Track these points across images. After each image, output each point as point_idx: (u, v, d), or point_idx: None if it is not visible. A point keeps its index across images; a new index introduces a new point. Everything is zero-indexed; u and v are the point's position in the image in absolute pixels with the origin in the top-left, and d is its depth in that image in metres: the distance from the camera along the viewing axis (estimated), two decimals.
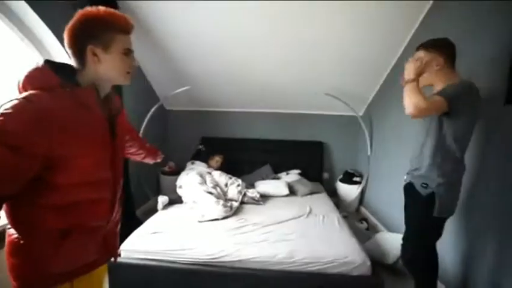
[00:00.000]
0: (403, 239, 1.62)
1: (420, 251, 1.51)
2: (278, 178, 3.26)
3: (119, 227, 1.05)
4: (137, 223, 2.16)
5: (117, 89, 2.45)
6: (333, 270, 1.66)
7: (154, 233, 1.92)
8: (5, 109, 0.68)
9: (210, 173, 2.87)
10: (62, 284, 0.85)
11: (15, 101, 0.69)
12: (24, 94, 0.72)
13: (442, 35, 1.83)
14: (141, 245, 1.79)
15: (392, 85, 2.83)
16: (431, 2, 2.10)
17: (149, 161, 1.43)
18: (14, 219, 0.79)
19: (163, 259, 1.73)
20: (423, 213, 1.41)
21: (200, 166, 3.07)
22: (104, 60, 0.83)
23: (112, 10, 0.83)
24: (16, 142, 0.67)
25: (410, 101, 1.22)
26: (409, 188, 1.50)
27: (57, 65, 0.82)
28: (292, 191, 2.94)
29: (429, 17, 2.16)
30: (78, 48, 0.81)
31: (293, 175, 3.27)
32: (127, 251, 1.74)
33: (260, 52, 2.72)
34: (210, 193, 2.40)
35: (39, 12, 1.70)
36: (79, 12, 0.81)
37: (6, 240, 0.81)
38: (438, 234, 1.46)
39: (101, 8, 0.82)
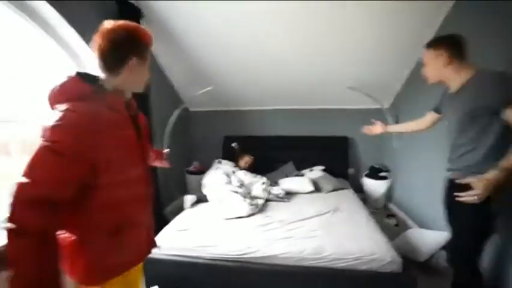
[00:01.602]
0: (454, 238, 1.52)
1: (475, 250, 1.40)
2: (301, 175, 3.24)
3: (153, 220, 1.11)
4: (165, 222, 2.25)
5: (144, 92, 2.56)
6: (362, 267, 1.64)
7: (183, 230, 1.99)
8: (55, 122, 0.74)
9: (234, 172, 2.91)
10: (118, 275, 0.93)
11: (61, 113, 0.76)
12: (66, 106, 0.78)
13: (473, 22, 1.80)
14: (170, 242, 1.86)
15: (419, 75, 2.70)
16: None
17: (158, 164, 1.46)
18: (70, 223, 0.85)
19: (191, 255, 1.79)
20: (477, 211, 1.31)
21: (226, 165, 3.13)
22: (139, 71, 0.94)
23: (143, 27, 0.93)
24: (68, 151, 0.75)
25: None
26: (458, 185, 1.37)
27: (82, 74, 0.90)
28: (317, 188, 2.91)
29: (458, 7, 2.04)
30: (119, 57, 0.88)
31: (317, 171, 3.24)
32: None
33: (279, 49, 2.71)
34: (236, 192, 2.44)
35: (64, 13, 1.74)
36: (119, 24, 0.87)
37: (62, 244, 0.86)
38: (491, 232, 1.36)
39: (136, 24, 0.91)
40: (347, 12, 2.29)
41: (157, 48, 2.87)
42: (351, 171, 3.67)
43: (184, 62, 3.03)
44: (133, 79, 0.93)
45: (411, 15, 2.26)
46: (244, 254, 1.74)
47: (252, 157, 3.31)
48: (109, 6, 2.13)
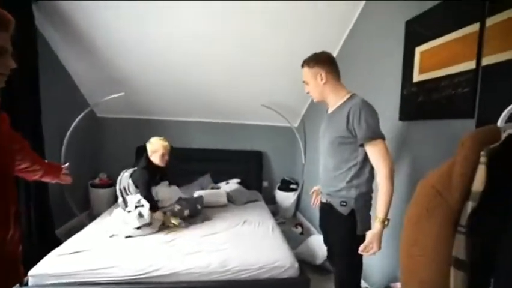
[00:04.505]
0: (330, 259, 1.65)
1: (351, 273, 1.45)
2: (218, 188, 3.27)
3: (20, 248, 0.94)
4: (57, 244, 1.94)
5: (33, 91, 2.21)
6: (264, 276, 1.73)
7: (75, 252, 1.74)
8: None
9: None
10: None
11: None
12: None
13: (367, 44, 2.11)
14: (57, 267, 1.60)
15: None
16: (356, 15, 2.31)
17: (50, 180, 1.27)
18: None
19: (84, 281, 1.58)
20: (347, 233, 1.36)
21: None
22: None
23: None
24: None
25: (390, 180, 1.27)
26: (328, 208, 1.46)
27: None
28: (231, 200, 2.98)
29: (356, 28, 2.40)
30: None
31: (232, 184, 3.33)
32: (36, 277, 1.54)
33: (197, 62, 2.75)
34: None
35: None
36: None
37: None
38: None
39: None
40: (261, 40, 2.52)
41: (56, 41, 2.53)
42: (265, 183, 3.91)
43: (92, 62, 2.75)
44: None
45: (313, 44, 2.57)
46: (146, 273, 1.63)
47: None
48: None
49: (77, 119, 2.82)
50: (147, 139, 3.55)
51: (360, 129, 1.25)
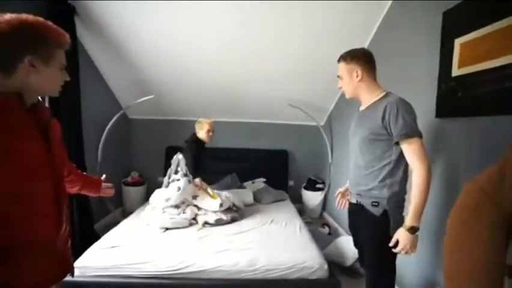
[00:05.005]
0: (362, 262, 1.53)
1: (384, 277, 1.36)
2: (244, 187, 3.30)
3: (69, 242, 1.01)
4: (96, 238, 2.07)
5: (75, 97, 2.36)
6: (293, 276, 1.73)
7: (113, 246, 1.85)
8: None
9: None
10: None
11: None
12: None
13: (398, 38, 2.03)
14: (98, 261, 1.71)
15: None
16: (386, 8, 2.24)
17: (91, 193, 1.30)
18: None
19: (120, 274, 1.67)
20: (379, 234, 1.29)
21: None
22: (42, 73, 0.81)
23: (51, 24, 0.82)
24: None
25: (426, 181, 1.20)
26: (358, 209, 1.40)
27: None
28: (257, 199, 2.99)
29: (381, 30, 2.36)
30: (11, 56, 0.77)
31: (258, 183, 3.34)
32: (81, 268, 1.66)
33: (223, 63, 2.78)
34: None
35: None
36: (11, 17, 0.76)
37: None
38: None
39: (40, 19, 0.80)
40: (286, 37, 2.50)
41: (93, 50, 2.69)
42: (291, 183, 3.88)
43: (124, 68, 2.89)
44: (37, 81, 0.81)
45: (340, 39, 2.50)
46: (178, 269, 1.69)
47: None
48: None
49: (112, 121, 2.98)
50: (176, 139, 3.71)
51: (396, 127, 1.20)
